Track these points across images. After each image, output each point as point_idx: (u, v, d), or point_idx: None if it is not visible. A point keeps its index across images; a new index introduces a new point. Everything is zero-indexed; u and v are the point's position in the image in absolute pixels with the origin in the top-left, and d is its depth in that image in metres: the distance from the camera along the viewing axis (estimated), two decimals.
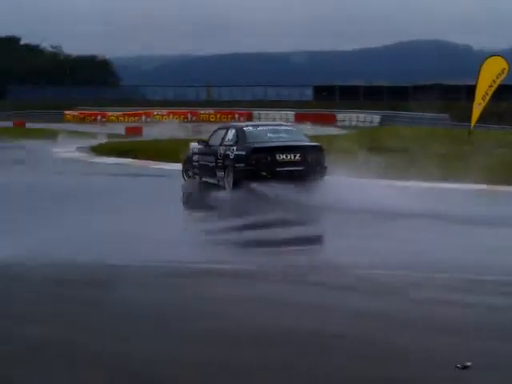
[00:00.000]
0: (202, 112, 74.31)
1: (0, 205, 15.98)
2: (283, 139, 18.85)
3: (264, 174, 17.63)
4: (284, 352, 6.56)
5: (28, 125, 58.87)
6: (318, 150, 18.54)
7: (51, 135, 41.75)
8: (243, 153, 18.18)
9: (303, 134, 20.25)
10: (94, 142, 36.88)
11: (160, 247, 11.38)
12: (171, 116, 71.54)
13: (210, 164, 19.41)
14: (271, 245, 12.34)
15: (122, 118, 71.43)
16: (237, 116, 72.06)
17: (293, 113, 70.54)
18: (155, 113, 72.66)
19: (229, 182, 18.26)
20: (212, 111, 74.52)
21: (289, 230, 13.90)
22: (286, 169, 17.77)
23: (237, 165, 18.15)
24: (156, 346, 6.74)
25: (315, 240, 13.69)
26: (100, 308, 8.13)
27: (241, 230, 13.53)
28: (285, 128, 20.60)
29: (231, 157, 18.42)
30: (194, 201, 19.18)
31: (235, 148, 18.50)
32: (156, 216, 14.63)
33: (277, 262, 10.54)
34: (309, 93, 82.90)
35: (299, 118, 65.62)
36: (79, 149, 34.26)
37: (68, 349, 6.65)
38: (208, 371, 6.15)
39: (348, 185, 16.18)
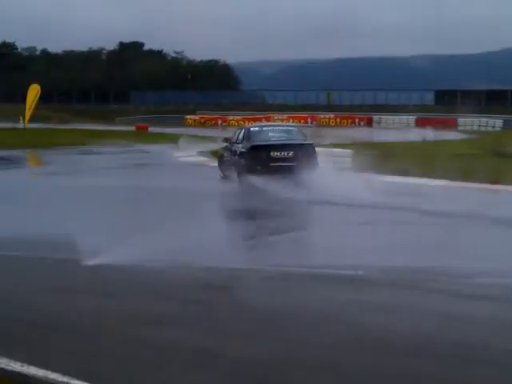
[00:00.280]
0: (322, 116, 74.16)
1: (128, 209, 16.22)
2: (280, 138, 21.50)
3: (259, 168, 20.05)
4: (438, 363, 6.45)
5: (150, 129, 59.96)
6: (309, 147, 20.87)
7: (173, 139, 42.39)
8: (244, 150, 20.93)
9: (302, 133, 22.60)
10: (215, 146, 37.16)
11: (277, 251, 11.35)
12: (291, 120, 71.63)
13: (229, 159, 22.41)
14: (369, 248, 12.04)
15: (243, 122, 71.92)
16: (357, 120, 71.70)
17: (414, 117, 69.67)
18: (275, 117, 72.89)
19: (237, 175, 21.14)
20: (332, 115, 74.36)
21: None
22: (278, 164, 20.15)
23: (240, 160, 21.06)
24: (291, 349, 6.76)
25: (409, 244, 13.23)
26: (226, 311, 8.23)
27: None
28: (286, 128, 24.46)
29: (237, 153, 21.35)
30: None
31: (241, 145, 21.36)
32: (280, 221, 14.55)
33: (381, 266, 10.26)
34: (430, 97, 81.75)
35: (420, 123, 64.81)
36: (200, 153, 34.61)
37: (205, 354, 6.71)
38: (364, 379, 6.14)
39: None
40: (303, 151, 20.48)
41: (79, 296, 8.84)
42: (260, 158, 20.34)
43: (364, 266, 10.11)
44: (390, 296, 8.95)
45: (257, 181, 19.02)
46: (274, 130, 22.80)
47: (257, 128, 22.97)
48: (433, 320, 7.77)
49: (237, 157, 21.35)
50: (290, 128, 24.36)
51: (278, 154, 20.34)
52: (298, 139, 21.42)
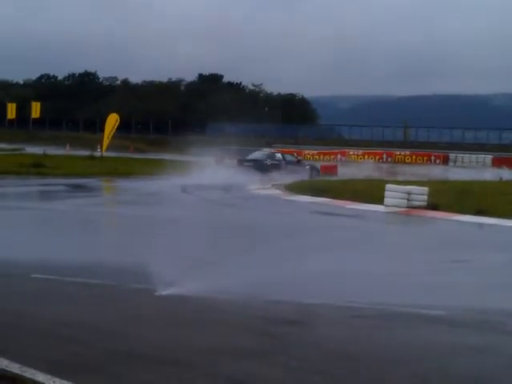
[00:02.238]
0: (398, 153, 73.66)
1: (203, 240, 16.31)
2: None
3: None
4: None
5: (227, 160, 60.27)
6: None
7: None
8: None
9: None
10: (289, 180, 37.22)
11: (368, 287, 11.29)
12: (366, 156, 71.38)
13: None
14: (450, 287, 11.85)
15: (318, 157, 71.92)
16: (433, 158, 70.99)
17: (490, 157, 68.68)
18: (351, 152, 72.68)
19: None
20: (408, 152, 73.74)
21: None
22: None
23: None
24: None
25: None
26: (303, 346, 8.16)
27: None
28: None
29: None
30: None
31: None
32: (358, 256, 14.45)
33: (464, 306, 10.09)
34: (509, 136, 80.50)
35: (496, 162, 63.92)
36: (274, 186, 34.69)
37: None
38: None
39: None
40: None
41: (154, 326, 8.86)
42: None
43: (446, 305, 10.00)
44: (476, 338, 8.81)
45: None
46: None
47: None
48: None
49: None
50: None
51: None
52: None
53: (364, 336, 8.69)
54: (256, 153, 47.23)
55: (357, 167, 50.10)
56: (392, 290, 11.44)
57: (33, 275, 11.42)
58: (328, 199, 27.91)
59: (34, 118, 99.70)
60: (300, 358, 7.69)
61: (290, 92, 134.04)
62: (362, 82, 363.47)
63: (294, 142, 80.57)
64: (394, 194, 25.54)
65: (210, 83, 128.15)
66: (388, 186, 26.14)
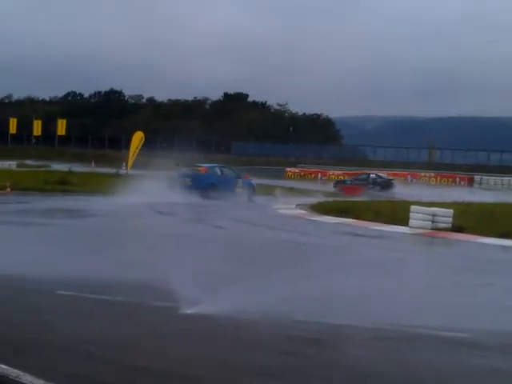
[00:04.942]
0: (423, 174, 73.46)
1: (230, 258, 16.33)
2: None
3: None
4: None
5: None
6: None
7: (271, 191, 42.64)
8: None
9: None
10: (313, 200, 37.21)
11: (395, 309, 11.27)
12: (391, 177, 71.22)
13: None
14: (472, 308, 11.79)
15: (343, 177, 71.81)
16: (458, 180, 70.73)
17: None
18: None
19: None
20: (432, 174, 73.55)
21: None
22: None
23: None
24: None
25: None
26: (327, 366, 8.15)
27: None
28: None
29: None
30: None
31: None
32: (383, 277, 14.39)
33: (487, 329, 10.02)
34: None
35: None
36: (299, 206, 34.67)
37: None
38: None
39: None
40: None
41: (177, 344, 8.88)
42: None
43: (470, 328, 9.97)
44: (499, 361, 8.75)
45: None
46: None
47: None
48: None
49: None
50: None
51: None
52: None
53: (387, 357, 8.66)
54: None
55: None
56: (416, 311, 11.38)
57: (58, 292, 11.47)
58: (352, 220, 27.86)
59: (59, 135, 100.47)
60: (323, 378, 7.68)
61: (314, 112, 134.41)
62: (388, 102, 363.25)
63: (319, 161, 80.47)
64: (418, 216, 25.48)
65: (235, 102, 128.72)
66: (413, 208, 26.08)
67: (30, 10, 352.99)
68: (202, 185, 38.04)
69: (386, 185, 55.39)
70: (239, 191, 39.63)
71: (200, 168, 40.78)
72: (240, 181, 40.75)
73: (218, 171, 41.20)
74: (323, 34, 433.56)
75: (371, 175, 58.37)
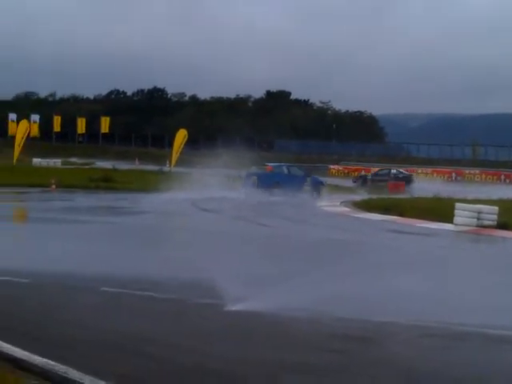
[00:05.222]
0: (467, 172, 72.80)
1: (282, 257, 16.32)
2: None
3: None
4: None
5: None
6: None
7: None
8: None
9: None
10: (357, 197, 37.07)
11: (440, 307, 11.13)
12: (435, 174, 70.72)
13: None
14: None
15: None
16: (502, 177, 69.98)
17: None
18: (419, 171, 72.03)
19: None
20: (477, 171, 72.82)
21: None
22: None
23: None
24: None
25: None
26: (372, 365, 8.07)
27: None
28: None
29: None
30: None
31: None
32: (429, 274, 14.24)
33: None
34: None
35: None
36: (343, 203, 34.56)
37: None
38: None
39: None
40: None
41: (222, 341, 8.85)
42: None
43: None
44: None
45: None
46: None
47: None
48: None
49: None
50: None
51: None
52: None
53: (434, 355, 8.54)
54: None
55: (425, 185, 49.50)
56: (461, 309, 11.25)
57: (102, 288, 11.52)
58: (397, 217, 27.68)
59: (103, 133, 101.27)
60: (369, 376, 7.61)
61: (358, 109, 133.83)
62: (433, 99, 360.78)
63: (362, 159, 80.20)
64: (463, 213, 25.21)
65: (277, 100, 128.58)
66: (458, 205, 25.81)
67: (75, 11, 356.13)
68: (267, 183, 39.70)
69: (408, 180, 55.47)
70: (307, 189, 40.84)
71: (266, 167, 42.87)
72: (308, 179, 42.19)
73: (285, 170, 42.98)
74: (366, 31, 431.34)
75: (392, 171, 58.78)
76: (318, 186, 41.92)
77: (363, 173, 65.85)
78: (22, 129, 56.06)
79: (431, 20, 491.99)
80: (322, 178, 44.77)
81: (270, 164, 44.10)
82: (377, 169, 64.21)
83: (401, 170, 60.48)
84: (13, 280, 12.02)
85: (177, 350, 8.40)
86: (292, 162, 75.93)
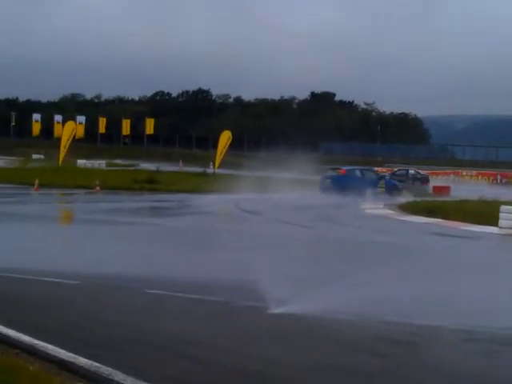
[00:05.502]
0: None
1: (326, 259, 16.35)
2: None
3: None
4: None
5: None
6: None
7: None
8: None
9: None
10: (401, 200, 36.91)
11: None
12: (480, 177, 70.03)
13: None
14: None
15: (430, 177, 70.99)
16: None
17: None
18: (464, 173, 71.37)
19: None
20: None
21: None
22: None
23: None
24: None
25: None
26: (416, 368, 8.07)
27: None
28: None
29: None
30: None
31: None
32: (473, 278, 14.14)
33: None
34: None
35: None
36: (387, 206, 34.40)
37: None
38: None
39: None
40: None
41: (267, 344, 8.90)
42: None
43: None
44: None
45: None
46: None
47: None
48: None
49: None
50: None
51: None
52: None
53: (480, 359, 8.52)
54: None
55: (471, 188, 49.06)
56: (506, 314, 11.18)
57: (147, 290, 11.62)
58: (441, 220, 27.49)
59: (148, 135, 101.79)
60: (415, 380, 7.61)
61: (402, 111, 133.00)
62: (479, 101, 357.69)
63: (406, 161, 79.73)
64: (509, 216, 24.92)
65: (322, 101, 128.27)
66: (503, 208, 25.53)
67: (119, 11, 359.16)
68: (340, 186, 40.49)
69: (426, 181, 56.19)
70: (381, 191, 41.92)
71: (339, 170, 44.06)
72: (382, 182, 43.54)
73: (358, 173, 44.02)
74: (411, 32, 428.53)
75: (410, 171, 59.15)
76: (392, 189, 42.80)
77: (381, 173, 65.74)
78: (67, 130, 56.52)
79: (479, 21, 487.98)
80: (396, 182, 45.95)
81: (343, 167, 45.27)
82: (395, 169, 63.98)
83: (418, 171, 60.62)
84: (63, 282, 12.24)
85: (221, 352, 8.45)
86: (336, 164, 76.00)
